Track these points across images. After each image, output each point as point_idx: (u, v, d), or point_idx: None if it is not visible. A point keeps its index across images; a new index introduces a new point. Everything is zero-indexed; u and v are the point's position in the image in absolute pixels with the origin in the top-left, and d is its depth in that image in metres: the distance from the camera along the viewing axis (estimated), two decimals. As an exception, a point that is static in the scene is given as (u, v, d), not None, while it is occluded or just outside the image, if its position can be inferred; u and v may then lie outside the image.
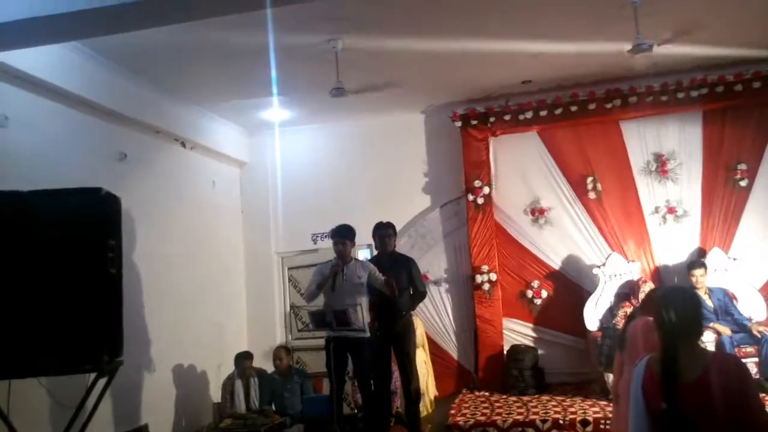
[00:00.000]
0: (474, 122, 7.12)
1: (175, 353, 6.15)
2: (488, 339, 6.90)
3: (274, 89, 6.08)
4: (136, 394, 5.56)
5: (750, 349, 5.70)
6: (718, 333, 5.76)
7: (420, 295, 5.59)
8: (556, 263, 7.03)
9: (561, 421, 5.27)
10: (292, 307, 7.52)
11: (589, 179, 6.97)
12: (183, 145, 6.69)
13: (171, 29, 4.07)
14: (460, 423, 5.46)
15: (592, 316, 6.43)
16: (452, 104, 7.22)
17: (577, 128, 7.02)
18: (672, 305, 2.30)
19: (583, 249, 6.97)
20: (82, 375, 3.80)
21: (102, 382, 3.78)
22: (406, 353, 5.40)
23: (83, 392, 3.80)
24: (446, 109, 7.24)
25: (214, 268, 7.04)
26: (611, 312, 6.28)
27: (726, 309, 6.02)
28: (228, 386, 5.99)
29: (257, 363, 6.35)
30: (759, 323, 5.93)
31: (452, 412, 5.85)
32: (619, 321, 5.73)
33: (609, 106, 6.79)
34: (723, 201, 6.66)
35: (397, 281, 5.20)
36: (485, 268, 6.95)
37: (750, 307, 6.13)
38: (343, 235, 5.21)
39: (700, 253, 6.57)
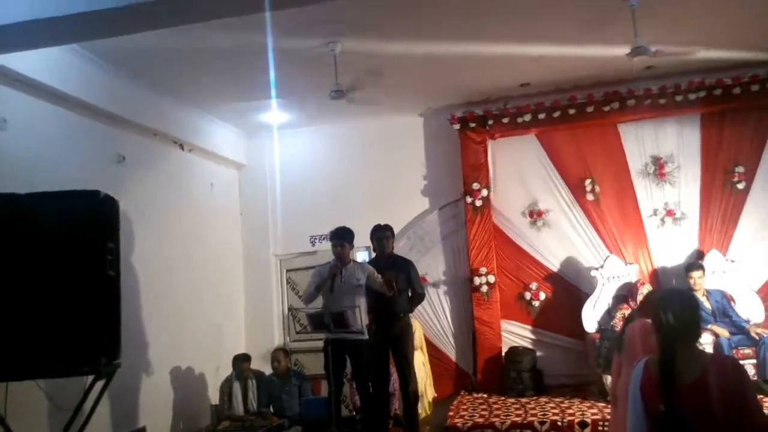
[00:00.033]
0: (472, 125, 7.13)
1: (173, 355, 6.14)
2: (486, 341, 6.90)
3: (273, 92, 6.10)
4: (134, 397, 5.55)
5: (748, 351, 5.71)
6: (716, 335, 5.77)
7: (418, 297, 5.58)
8: (554, 265, 7.04)
9: (559, 423, 5.27)
10: (290, 309, 7.53)
11: (587, 182, 6.98)
12: (181, 147, 6.69)
13: (169, 32, 4.06)
14: (459, 425, 5.46)
15: (591, 318, 6.44)
16: (451, 107, 7.22)
17: (576, 131, 7.03)
18: (670, 307, 2.30)
19: (581, 251, 6.98)
20: (80, 377, 3.78)
21: (100, 384, 3.77)
22: (405, 355, 5.39)
23: (81, 395, 3.79)
24: (445, 111, 7.25)
25: (212, 271, 7.03)
26: (609, 314, 6.28)
27: (724, 311, 6.03)
28: (226, 388, 5.98)
29: (255, 365, 6.35)
30: (757, 325, 5.94)
31: (450, 413, 5.85)
32: (618, 323, 5.72)
33: (607, 109, 6.80)
34: (721, 203, 6.68)
35: (396, 283, 5.19)
36: (483, 270, 6.95)
37: (748, 309, 6.14)
38: (342, 237, 5.22)
39: (698, 256, 6.59)
